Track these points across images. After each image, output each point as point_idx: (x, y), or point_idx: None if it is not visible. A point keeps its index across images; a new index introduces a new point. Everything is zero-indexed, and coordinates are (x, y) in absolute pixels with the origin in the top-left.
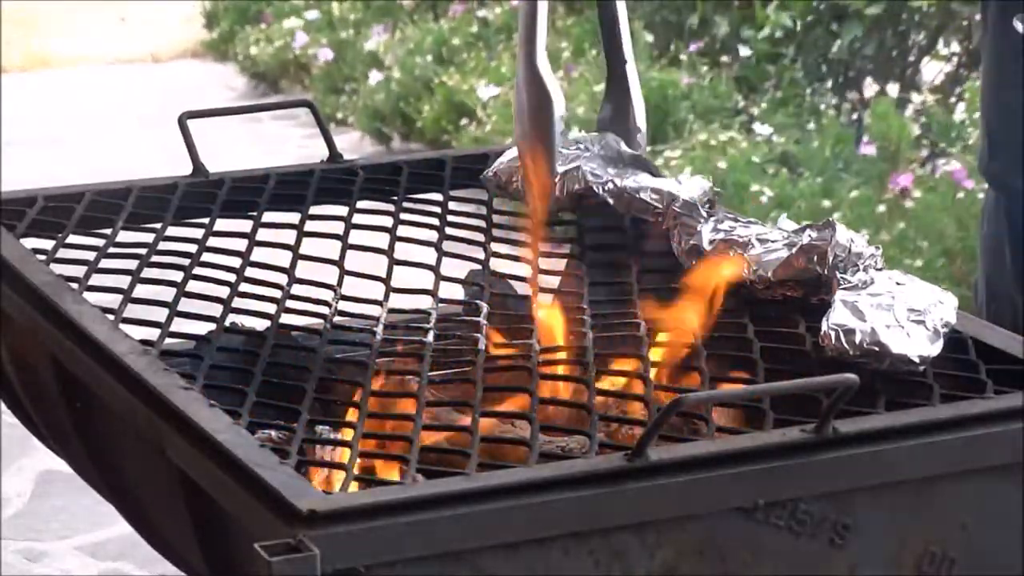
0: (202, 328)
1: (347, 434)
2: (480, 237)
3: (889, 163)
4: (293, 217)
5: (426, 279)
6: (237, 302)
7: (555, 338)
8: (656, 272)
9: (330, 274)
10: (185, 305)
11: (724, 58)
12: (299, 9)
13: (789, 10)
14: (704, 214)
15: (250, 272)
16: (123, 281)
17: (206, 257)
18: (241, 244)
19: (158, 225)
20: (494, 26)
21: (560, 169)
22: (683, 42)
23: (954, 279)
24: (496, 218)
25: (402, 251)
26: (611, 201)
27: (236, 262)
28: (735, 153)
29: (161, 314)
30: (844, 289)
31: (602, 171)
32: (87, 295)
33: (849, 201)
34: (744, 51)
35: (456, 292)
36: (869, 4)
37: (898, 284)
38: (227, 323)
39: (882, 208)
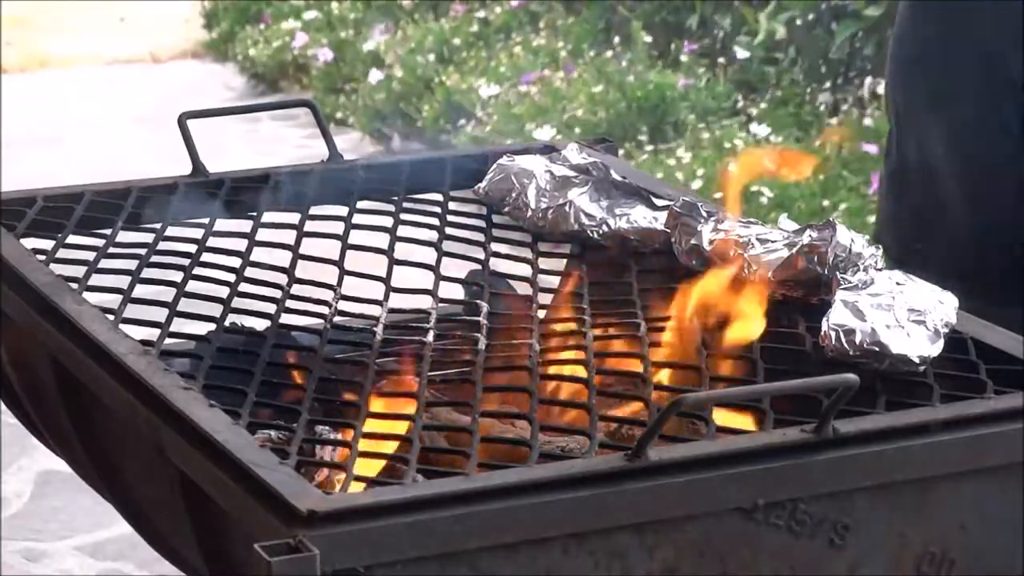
0: (202, 328)
1: (347, 434)
2: (480, 237)
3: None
4: (293, 217)
5: (426, 279)
6: (237, 302)
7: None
8: (655, 272)
9: (330, 274)
10: (185, 305)
11: (721, 59)
12: (299, 9)
13: (788, 11)
14: (704, 214)
15: (250, 272)
16: (123, 281)
17: (206, 257)
18: (241, 244)
19: (158, 225)
20: (494, 26)
21: (548, 203)
22: (680, 42)
23: None
24: (496, 218)
25: (402, 251)
26: (606, 244)
27: (236, 262)
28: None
29: (161, 314)
30: (844, 289)
31: (595, 207)
32: (87, 295)
33: (841, 212)
34: (741, 54)
35: (456, 292)
36: (868, 5)
37: (898, 284)
38: (227, 323)
39: (871, 219)
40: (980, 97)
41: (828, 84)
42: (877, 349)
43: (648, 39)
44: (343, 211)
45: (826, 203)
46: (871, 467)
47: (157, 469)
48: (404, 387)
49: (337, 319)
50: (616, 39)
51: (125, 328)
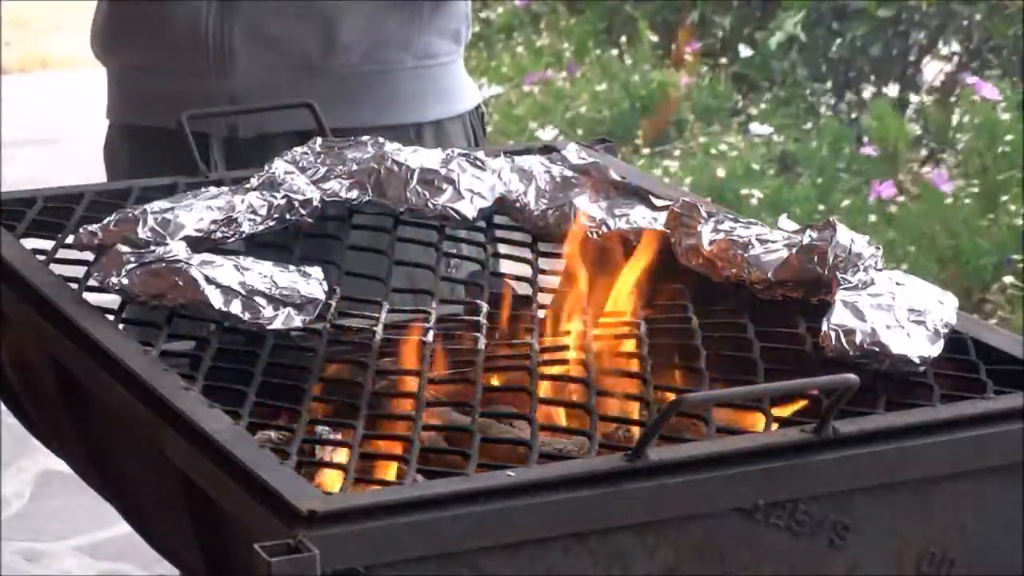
0: (202, 328)
1: (347, 434)
2: (480, 237)
3: (888, 164)
4: None
5: (426, 279)
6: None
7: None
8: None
9: (329, 275)
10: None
11: (723, 59)
12: None
13: (798, 12)
14: (704, 214)
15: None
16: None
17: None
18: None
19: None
20: (496, 26)
21: (548, 204)
22: (681, 41)
23: (945, 283)
24: (496, 218)
25: (402, 251)
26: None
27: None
28: (735, 156)
29: (161, 314)
30: (844, 289)
31: (595, 207)
32: (87, 295)
33: (840, 211)
34: (745, 52)
35: (456, 292)
36: (880, 5)
37: (898, 284)
38: (227, 323)
39: (872, 217)
40: None
41: (829, 84)
42: (877, 349)
43: (654, 39)
44: (342, 212)
45: (821, 207)
46: (871, 467)
47: (157, 469)
48: (404, 387)
49: (337, 319)
50: (622, 39)
51: (125, 328)
